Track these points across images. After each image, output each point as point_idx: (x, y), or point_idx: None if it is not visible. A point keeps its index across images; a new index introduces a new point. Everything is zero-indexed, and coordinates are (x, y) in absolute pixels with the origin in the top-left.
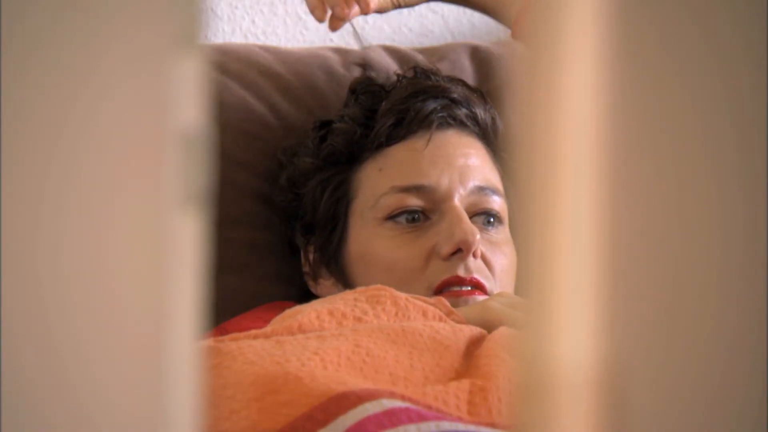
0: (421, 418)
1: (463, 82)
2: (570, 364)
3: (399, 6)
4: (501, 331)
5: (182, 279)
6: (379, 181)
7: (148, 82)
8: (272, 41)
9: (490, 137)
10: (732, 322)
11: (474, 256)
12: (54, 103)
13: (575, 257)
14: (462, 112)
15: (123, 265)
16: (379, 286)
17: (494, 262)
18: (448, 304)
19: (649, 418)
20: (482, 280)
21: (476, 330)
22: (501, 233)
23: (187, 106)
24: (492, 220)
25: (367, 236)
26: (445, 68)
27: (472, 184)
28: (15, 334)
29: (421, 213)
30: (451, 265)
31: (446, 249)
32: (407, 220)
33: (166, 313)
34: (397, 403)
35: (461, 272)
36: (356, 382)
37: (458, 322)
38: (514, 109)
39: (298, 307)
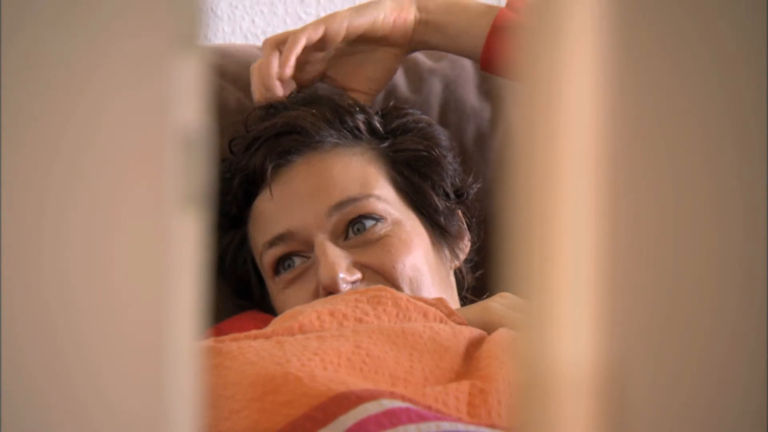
0: (421, 418)
1: (315, 97)
2: (570, 364)
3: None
4: (501, 333)
5: (182, 279)
6: (255, 239)
7: (149, 82)
8: None
9: (356, 138)
10: (731, 322)
11: (350, 283)
12: (54, 103)
13: (575, 257)
14: (305, 139)
15: (123, 265)
16: (380, 286)
17: (384, 261)
18: (449, 304)
19: (648, 418)
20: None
21: (476, 331)
22: (384, 227)
23: (187, 107)
24: (364, 224)
25: (274, 294)
26: (445, 68)
27: (326, 207)
28: (16, 333)
29: (296, 256)
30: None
31: (323, 292)
32: (288, 269)
33: (166, 313)
34: (397, 404)
35: None
36: (356, 383)
37: (459, 323)
38: (514, 109)
39: (299, 308)
